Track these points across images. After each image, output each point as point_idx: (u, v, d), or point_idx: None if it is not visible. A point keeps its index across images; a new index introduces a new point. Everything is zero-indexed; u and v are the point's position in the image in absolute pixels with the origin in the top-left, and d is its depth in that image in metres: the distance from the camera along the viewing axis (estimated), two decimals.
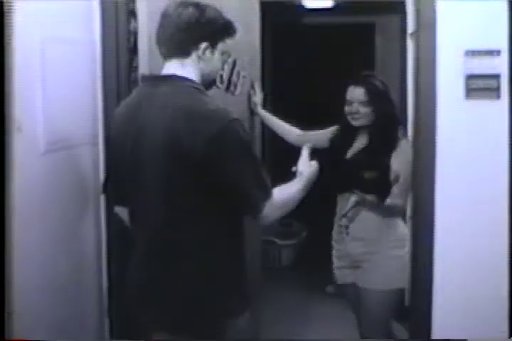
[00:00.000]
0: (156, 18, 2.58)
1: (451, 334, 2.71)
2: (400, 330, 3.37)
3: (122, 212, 2.12)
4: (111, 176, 2.15)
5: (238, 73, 2.94)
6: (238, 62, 2.91)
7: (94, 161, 2.55)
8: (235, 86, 2.94)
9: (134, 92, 2.07)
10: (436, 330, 2.75)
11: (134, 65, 2.62)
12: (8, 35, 1.92)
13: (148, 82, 2.03)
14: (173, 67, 1.94)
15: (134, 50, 2.60)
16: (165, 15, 1.94)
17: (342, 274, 2.85)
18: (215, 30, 1.93)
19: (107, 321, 2.70)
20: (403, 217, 2.71)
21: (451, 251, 2.73)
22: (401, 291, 2.77)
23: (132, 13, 2.60)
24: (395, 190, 2.52)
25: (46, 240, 2.22)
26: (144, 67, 2.57)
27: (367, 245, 2.68)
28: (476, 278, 2.69)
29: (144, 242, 1.99)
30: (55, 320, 2.28)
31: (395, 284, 2.70)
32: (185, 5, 1.90)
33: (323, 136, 2.97)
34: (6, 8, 1.90)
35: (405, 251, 2.69)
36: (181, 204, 1.88)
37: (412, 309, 3.10)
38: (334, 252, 2.86)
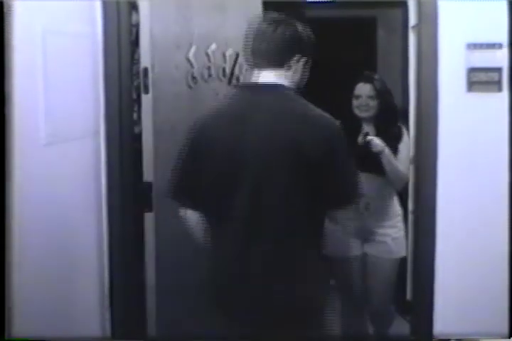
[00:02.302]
0: (158, 10, 2.59)
1: (452, 327, 2.72)
2: (402, 324, 3.38)
3: (192, 215, 2.12)
4: (186, 181, 2.12)
5: (241, 66, 2.95)
6: (241, 55, 2.91)
7: (95, 154, 2.57)
8: (238, 79, 2.94)
9: (230, 100, 2.13)
10: (437, 324, 2.76)
11: (136, 57, 2.63)
12: (8, 27, 1.92)
13: (248, 90, 2.12)
14: (272, 76, 2.07)
15: (135, 43, 2.60)
16: (259, 31, 2.07)
17: (353, 247, 3.19)
18: (306, 43, 2.19)
19: (108, 314, 2.71)
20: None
21: (452, 248, 2.74)
22: (404, 259, 3.27)
23: (134, 6, 2.60)
24: (400, 166, 3.07)
25: (46, 232, 2.22)
26: (145, 59, 2.57)
27: (387, 218, 3.16)
28: (476, 274, 2.70)
29: (240, 247, 2.02)
30: (55, 314, 2.28)
31: (403, 252, 3.19)
32: (279, 22, 2.09)
33: None
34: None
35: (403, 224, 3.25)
36: (289, 206, 1.99)
37: (414, 303, 3.11)
38: (346, 229, 3.15)
